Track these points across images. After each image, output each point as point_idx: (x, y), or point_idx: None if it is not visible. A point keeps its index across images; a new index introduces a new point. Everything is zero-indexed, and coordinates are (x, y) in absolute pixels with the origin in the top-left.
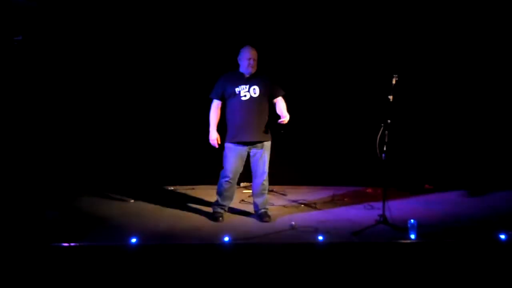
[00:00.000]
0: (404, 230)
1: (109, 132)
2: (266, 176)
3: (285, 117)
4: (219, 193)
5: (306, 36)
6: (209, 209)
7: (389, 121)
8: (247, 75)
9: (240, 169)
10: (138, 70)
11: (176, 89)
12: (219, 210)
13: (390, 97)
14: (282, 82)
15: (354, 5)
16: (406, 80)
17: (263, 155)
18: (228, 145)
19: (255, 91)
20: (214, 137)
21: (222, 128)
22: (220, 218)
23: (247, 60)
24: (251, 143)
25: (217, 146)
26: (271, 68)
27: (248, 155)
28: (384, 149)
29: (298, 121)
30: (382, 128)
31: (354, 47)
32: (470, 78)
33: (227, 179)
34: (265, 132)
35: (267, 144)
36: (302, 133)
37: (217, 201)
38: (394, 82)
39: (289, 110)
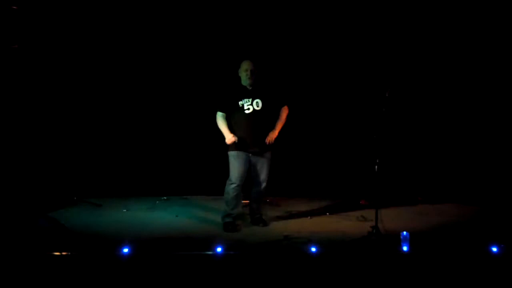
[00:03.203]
0: (396, 242)
1: (103, 141)
2: (265, 184)
3: (272, 134)
4: (227, 202)
5: (301, 48)
6: (201, 219)
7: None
8: (250, 88)
9: (245, 174)
10: (133, 81)
11: (170, 101)
12: (229, 220)
13: (384, 109)
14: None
15: (346, 18)
16: (399, 92)
17: (264, 164)
18: (231, 153)
19: (258, 104)
20: (229, 136)
21: (210, 137)
22: (230, 227)
23: (245, 72)
24: (253, 152)
25: (235, 140)
26: (270, 80)
27: (250, 163)
28: (377, 160)
29: (293, 132)
30: (374, 139)
31: (347, 59)
32: (463, 90)
33: (234, 185)
34: (267, 142)
35: (268, 154)
36: (296, 145)
37: (225, 211)
38: (387, 95)
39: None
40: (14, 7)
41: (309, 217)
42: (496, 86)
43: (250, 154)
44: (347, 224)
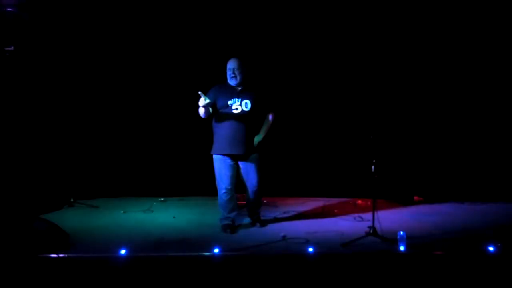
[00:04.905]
0: (393, 241)
1: (100, 142)
2: (258, 186)
3: (258, 138)
4: (222, 207)
5: (298, 49)
6: (199, 220)
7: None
8: (239, 88)
9: (234, 178)
10: (129, 82)
11: (166, 102)
12: (227, 222)
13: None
14: (273, 94)
15: (345, 16)
16: (395, 90)
17: (252, 166)
18: (216, 156)
19: (246, 105)
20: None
21: (208, 139)
22: (229, 230)
23: (228, 71)
24: (238, 156)
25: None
26: (262, 81)
27: (238, 168)
28: (374, 161)
29: (289, 132)
30: (370, 140)
31: (343, 58)
32: (459, 88)
33: (224, 190)
34: (253, 145)
35: (255, 156)
36: (293, 145)
37: (222, 214)
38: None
39: (280, 122)
40: (10, 9)
41: (306, 217)
42: (490, 85)
43: (236, 160)
44: (345, 224)
